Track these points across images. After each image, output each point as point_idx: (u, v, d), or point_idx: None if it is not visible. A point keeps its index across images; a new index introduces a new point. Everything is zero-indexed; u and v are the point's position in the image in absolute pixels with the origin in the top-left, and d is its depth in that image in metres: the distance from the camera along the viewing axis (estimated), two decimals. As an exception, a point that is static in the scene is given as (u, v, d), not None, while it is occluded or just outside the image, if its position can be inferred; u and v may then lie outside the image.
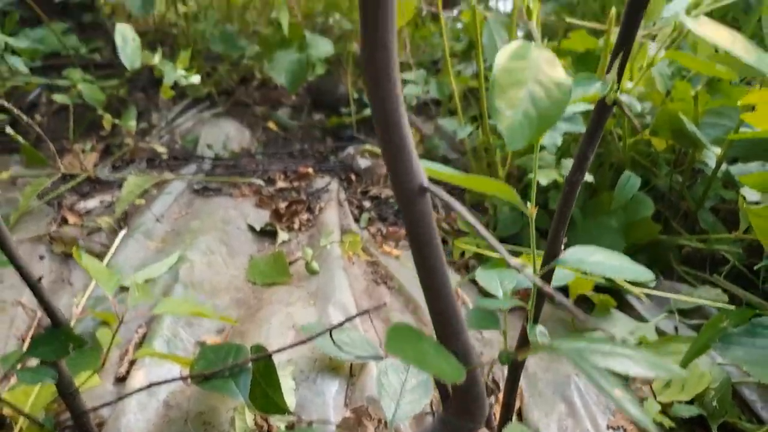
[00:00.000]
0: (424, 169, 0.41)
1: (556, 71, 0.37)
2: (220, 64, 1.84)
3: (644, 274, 0.52)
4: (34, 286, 0.62)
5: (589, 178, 1.08)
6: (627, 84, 0.42)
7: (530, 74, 0.37)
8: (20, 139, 1.30)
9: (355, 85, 1.78)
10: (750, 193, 0.94)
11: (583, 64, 1.34)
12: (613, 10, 1.04)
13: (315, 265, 1.07)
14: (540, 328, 0.57)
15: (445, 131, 1.58)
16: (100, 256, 1.11)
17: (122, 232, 1.09)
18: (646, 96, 1.12)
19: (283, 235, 1.22)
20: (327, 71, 1.74)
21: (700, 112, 1.05)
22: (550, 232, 0.52)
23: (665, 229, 1.15)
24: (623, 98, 0.41)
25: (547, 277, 0.56)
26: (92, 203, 1.29)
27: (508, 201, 0.47)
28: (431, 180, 0.37)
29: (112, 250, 1.07)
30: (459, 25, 2.27)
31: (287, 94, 1.89)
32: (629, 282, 0.95)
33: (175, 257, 1.05)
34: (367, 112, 1.73)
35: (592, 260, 0.53)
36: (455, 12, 2.67)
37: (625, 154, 1.15)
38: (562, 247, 0.55)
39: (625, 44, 0.39)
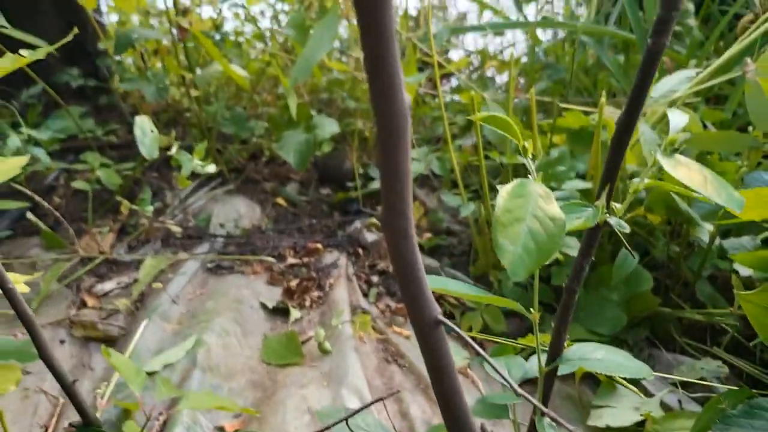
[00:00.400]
0: (437, 289, 0.46)
1: (552, 206, 0.42)
2: (231, 143, 1.92)
3: (643, 371, 0.56)
4: (68, 388, 0.66)
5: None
6: (616, 205, 0.47)
7: (528, 210, 0.42)
8: (40, 224, 1.36)
9: (360, 161, 1.85)
10: (742, 269, 0.98)
11: (578, 140, 1.41)
12: (603, 97, 1.11)
13: (327, 345, 1.10)
14: (547, 420, 0.60)
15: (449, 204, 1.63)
16: (118, 340, 1.15)
17: (144, 322, 1.14)
18: (639, 173, 1.18)
19: (295, 313, 1.26)
20: (333, 147, 1.82)
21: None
22: (553, 333, 0.56)
23: (665, 300, 1.19)
24: (611, 221, 0.46)
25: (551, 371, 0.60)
26: (110, 285, 1.33)
27: (512, 309, 0.52)
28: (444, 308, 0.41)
29: (136, 338, 1.10)
30: (456, 97, 2.36)
31: (295, 169, 1.96)
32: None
33: (192, 341, 1.08)
34: (372, 186, 1.79)
35: (594, 357, 0.57)
36: (453, 81, 2.77)
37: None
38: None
39: (610, 178, 0.45)
